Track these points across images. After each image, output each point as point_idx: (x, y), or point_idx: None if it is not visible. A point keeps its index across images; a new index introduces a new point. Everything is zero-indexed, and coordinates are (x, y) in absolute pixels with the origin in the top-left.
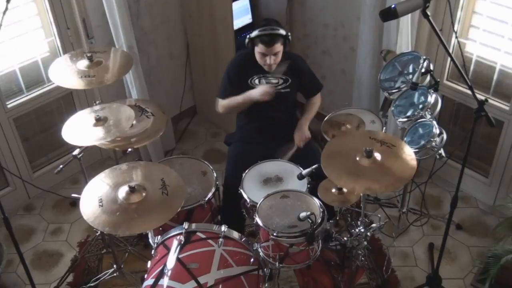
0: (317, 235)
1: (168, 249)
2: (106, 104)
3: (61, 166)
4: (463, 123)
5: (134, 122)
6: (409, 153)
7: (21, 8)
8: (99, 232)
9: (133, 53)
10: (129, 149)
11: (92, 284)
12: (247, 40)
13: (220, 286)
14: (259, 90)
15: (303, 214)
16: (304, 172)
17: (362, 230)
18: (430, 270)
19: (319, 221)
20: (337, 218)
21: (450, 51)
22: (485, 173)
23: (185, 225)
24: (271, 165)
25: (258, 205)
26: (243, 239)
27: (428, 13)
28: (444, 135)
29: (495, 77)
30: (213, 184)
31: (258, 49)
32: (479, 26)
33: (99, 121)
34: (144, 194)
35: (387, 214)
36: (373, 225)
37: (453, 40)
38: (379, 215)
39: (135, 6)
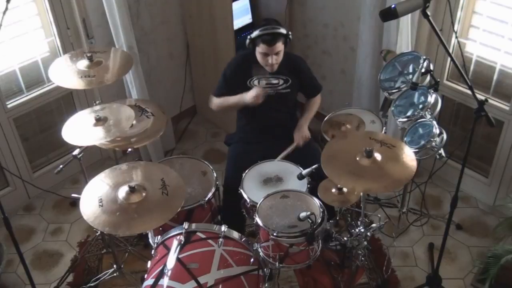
0: (317, 235)
1: (168, 249)
2: (106, 104)
3: (61, 166)
4: (463, 123)
5: (134, 122)
6: (408, 154)
7: (21, 8)
8: (99, 232)
9: (133, 53)
10: (129, 149)
11: (92, 284)
12: (248, 41)
13: (220, 286)
14: (250, 94)
15: (303, 214)
16: (304, 172)
17: (362, 230)
18: (430, 270)
19: (319, 221)
20: (337, 218)
21: (450, 51)
22: (485, 173)
23: (185, 225)
24: (271, 165)
25: (258, 205)
26: (243, 239)
27: (428, 13)
28: (444, 135)
29: (495, 77)
30: (213, 184)
31: (260, 49)
32: (479, 26)
33: (99, 121)
34: (144, 194)
35: (387, 214)
36: (373, 225)
37: (453, 40)
38: (379, 215)
39: (135, 6)
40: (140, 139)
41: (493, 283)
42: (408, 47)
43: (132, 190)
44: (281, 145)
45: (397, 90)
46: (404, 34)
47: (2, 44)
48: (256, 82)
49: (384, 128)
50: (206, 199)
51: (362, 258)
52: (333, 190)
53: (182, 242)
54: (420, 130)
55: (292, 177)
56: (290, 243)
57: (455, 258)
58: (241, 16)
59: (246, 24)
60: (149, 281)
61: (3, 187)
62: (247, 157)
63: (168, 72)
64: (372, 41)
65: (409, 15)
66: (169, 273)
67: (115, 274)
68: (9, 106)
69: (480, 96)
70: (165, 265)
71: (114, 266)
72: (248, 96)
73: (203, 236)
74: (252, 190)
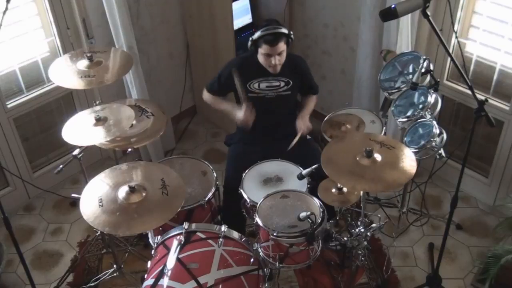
0: (317, 235)
1: (168, 249)
2: (106, 104)
3: (61, 166)
4: (463, 123)
5: (134, 122)
6: (408, 155)
7: (21, 8)
8: (99, 232)
9: (133, 53)
10: (129, 149)
11: (92, 284)
12: (249, 43)
13: (220, 286)
14: (240, 116)
15: (303, 214)
16: (304, 172)
17: (362, 230)
18: (430, 270)
19: (319, 221)
20: (337, 218)
21: (450, 51)
22: (485, 173)
23: (185, 225)
24: (271, 165)
25: (258, 205)
26: (243, 239)
27: (428, 13)
28: (444, 135)
29: (495, 77)
30: (213, 184)
31: (262, 50)
32: (479, 26)
33: (99, 121)
34: (144, 194)
35: (387, 214)
36: (373, 225)
37: (453, 40)
38: (379, 215)
39: (135, 6)
40: (140, 139)
41: (493, 283)
42: (408, 47)
43: (132, 190)
44: (281, 145)
45: (397, 90)
46: (404, 34)
47: (2, 44)
48: (256, 85)
49: (384, 128)
50: (206, 199)
51: (362, 258)
52: (333, 190)
53: (182, 242)
54: (420, 130)
55: (292, 177)
56: (290, 243)
57: (455, 258)
58: (241, 16)
59: (246, 24)
60: (149, 281)
61: (3, 187)
62: (247, 157)
63: (168, 72)
64: (372, 41)
65: (409, 15)
66: (169, 273)
67: (115, 274)
68: (9, 106)
69: (480, 96)
70: (165, 265)
71: (114, 266)
72: (238, 118)
73: (203, 236)
74: (252, 190)
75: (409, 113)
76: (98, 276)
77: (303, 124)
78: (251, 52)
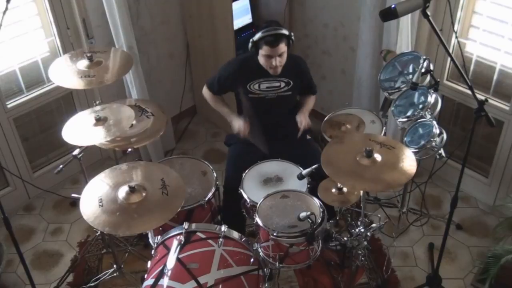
0: (317, 235)
1: (168, 249)
2: (106, 104)
3: (61, 166)
4: (463, 123)
5: (134, 122)
6: (408, 155)
7: (21, 8)
8: (99, 232)
9: (133, 53)
10: (129, 149)
11: (92, 284)
12: (250, 45)
13: (220, 286)
14: (236, 125)
15: (303, 214)
16: (304, 172)
17: (362, 230)
18: (430, 270)
19: (319, 221)
20: (337, 218)
21: (450, 51)
22: (485, 173)
23: (185, 225)
24: (271, 165)
25: (258, 205)
26: (243, 239)
27: (428, 13)
28: (444, 135)
29: (495, 77)
30: (213, 184)
31: (263, 51)
32: (479, 26)
33: (99, 121)
34: (144, 194)
35: (387, 214)
36: (373, 225)
37: (453, 40)
38: (379, 215)
39: (135, 6)
40: (140, 139)
41: (493, 283)
42: (408, 47)
43: (132, 190)
44: (281, 145)
45: (397, 90)
46: (404, 34)
47: (2, 44)
48: (256, 85)
49: (384, 128)
50: (206, 199)
51: (362, 258)
52: (333, 190)
53: (182, 242)
54: (420, 130)
55: (292, 177)
56: (290, 243)
57: (455, 258)
58: (241, 16)
59: (246, 24)
60: (149, 281)
61: (3, 187)
62: (247, 157)
63: (168, 72)
64: (372, 41)
65: (409, 15)
66: (169, 273)
67: (115, 274)
68: (9, 106)
69: (480, 96)
70: (165, 265)
71: (114, 266)
72: (233, 126)
73: (203, 236)
74: (252, 190)
75: (409, 113)
76: (98, 276)
77: (303, 118)
78: (252, 53)
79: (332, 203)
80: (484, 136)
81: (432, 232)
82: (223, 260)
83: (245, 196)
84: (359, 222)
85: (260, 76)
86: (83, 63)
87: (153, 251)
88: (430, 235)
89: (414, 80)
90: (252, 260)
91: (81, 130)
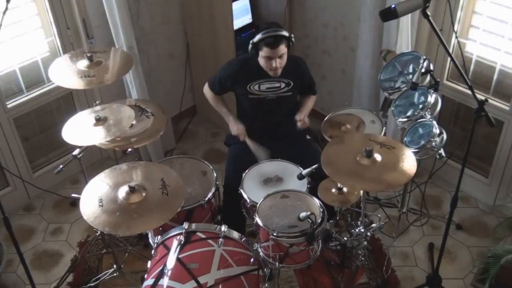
0: (317, 235)
1: (168, 249)
2: (106, 104)
3: (61, 166)
4: (463, 123)
5: (134, 122)
6: (408, 155)
7: (21, 8)
8: (99, 232)
9: (133, 53)
10: (129, 149)
11: (92, 284)
12: (250, 46)
13: (220, 286)
14: (234, 128)
15: (303, 214)
16: (304, 172)
17: (362, 230)
18: (430, 270)
19: (319, 221)
20: (337, 218)
21: (450, 51)
22: (485, 173)
23: (185, 225)
24: (271, 165)
25: (258, 205)
26: (243, 239)
27: (428, 13)
28: (444, 135)
29: (495, 77)
30: (213, 184)
31: (263, 53)
32: (479, 26)
33: (99, 121)
34: (144, 194)
35: (387, 214)
36: (373, 225)
37: (453, 40)
38: (379, 215)
39: (135, 6)
40: (140, 139)
41: (493, 283)
42: (408, 47)
43: (132, 190)
44: (281, 145)
45: (397, 90)
46: (404, 34)
47: (2, 44)
48: (256, 86)
49: (384, 128)
50: (206, 199)
51: (362, 258)
52: (333, 190)
53: (182, 242)
54: (420, 130)
55: (292, 177)
56: (290, 243)
57: (455, 258)
58: (241, 16)
59: (246, 24)
60: (149, 281)
61: (3, 187)
62: (247, 157)
63: (168, 72)
64: (372, 41)
65: (409, 15)
66: (169, 273)
67: (115, 274)
68: (9, 106)
69: (480, 96)
70: (165, 265)
71: (114, 266)
72: (231, 128)
73: (203, 236)
74: (252, 190)
75: (409, 113)
76: (98, 276)
77: (302, 117)
78: (252, 54)
79: (332, 203)
80: (484, 136)
81: (432, 232)
82: (223, 260)
83: (245, 196)
84: (359, 222)
85: (260, 77)
86: (83, 63)
87: (153, 251)
88: (430, 235)
89: (414, 80)
90: (252, 260)
91: (81, 130)
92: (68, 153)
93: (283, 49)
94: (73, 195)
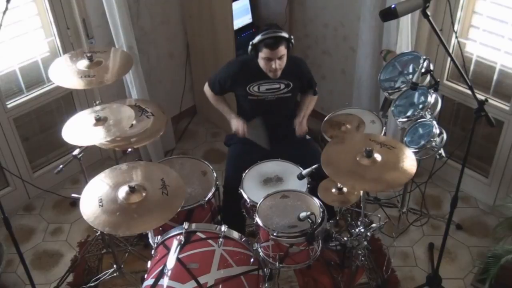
0: (317, 235)
1: (168, 249)
2: (106, 104)
3: (61, 166)
4: (463, 123)
5: (134, 122)
6: (408, 154)
7: (21, 8)
8: (99, 232)
9: (133, 53)
10: (129, 149)
11: (92, 284)
12: (250, 47)
13: (220, 286)
14: (234, 125)
15: (303, 214)
16: (304, 172)
17: (362, 230)
18: (430, 270)
19: (319, 221)
20: (337, 218)
21: (450, 51)
22: (485, 173)
23: (185, 225)
24: (271, 165)
25: (258, 205)
26: (243, 239)
27: (428, 13)
28: (444, 135)
29: (495, 77)
30: (213, 184)
31: (263, 54)
32: (479, 26)
33: (99, 121)
34: (144, 194)
35: (387, 214)
36: (373, 225)
37: (453, 40)
38: (379, 215)
39: (135, 6)
40: (140, 139)
41: (493, 283)
42: (408, 47)
43: (132, 190)
44: (281, 145)
45: (397, 90)
46: (404, 34)
47: (2, 44)
48: (256, 87)
49: (384, 128)
50: (206, 199)
51: (362, 258)
52: (333, 190)
53: (182, 242)
54: (420, 130)
55: (292, 177)
56: (290, 243)
57: (455, 258)
58: (241, 16)
59: (246, 24)
60: (149, 281)
61: (3, 187)
62: (247, 157)
63: (168, 72)
64: (372, 41)
65: (409, 15)
66: (169, 273)
67: (115, 274)
68: (9, 106)
69: (480, 96)
70: (165, 265)
71: (114, 266)
72: (231, 125)
73: (203, 236)
74: (252, 190)
75: (409, 113)
76: (98, 276)
77: (300, 127)
78: (252, 55)
79: (332, 203)
80: (484, 136)
81: (432, 232)
82: (223, 260)
83: (245, 196)
84: (359, 222)
85: (260, 78)
86: (83, 63)
87: (153, 251)
88: (430, 235)
89: (414, 80)
90: (252, 260)
91: (81, 130)
92: (68, 153)
93: (282, 50)
94: (73, 195)
